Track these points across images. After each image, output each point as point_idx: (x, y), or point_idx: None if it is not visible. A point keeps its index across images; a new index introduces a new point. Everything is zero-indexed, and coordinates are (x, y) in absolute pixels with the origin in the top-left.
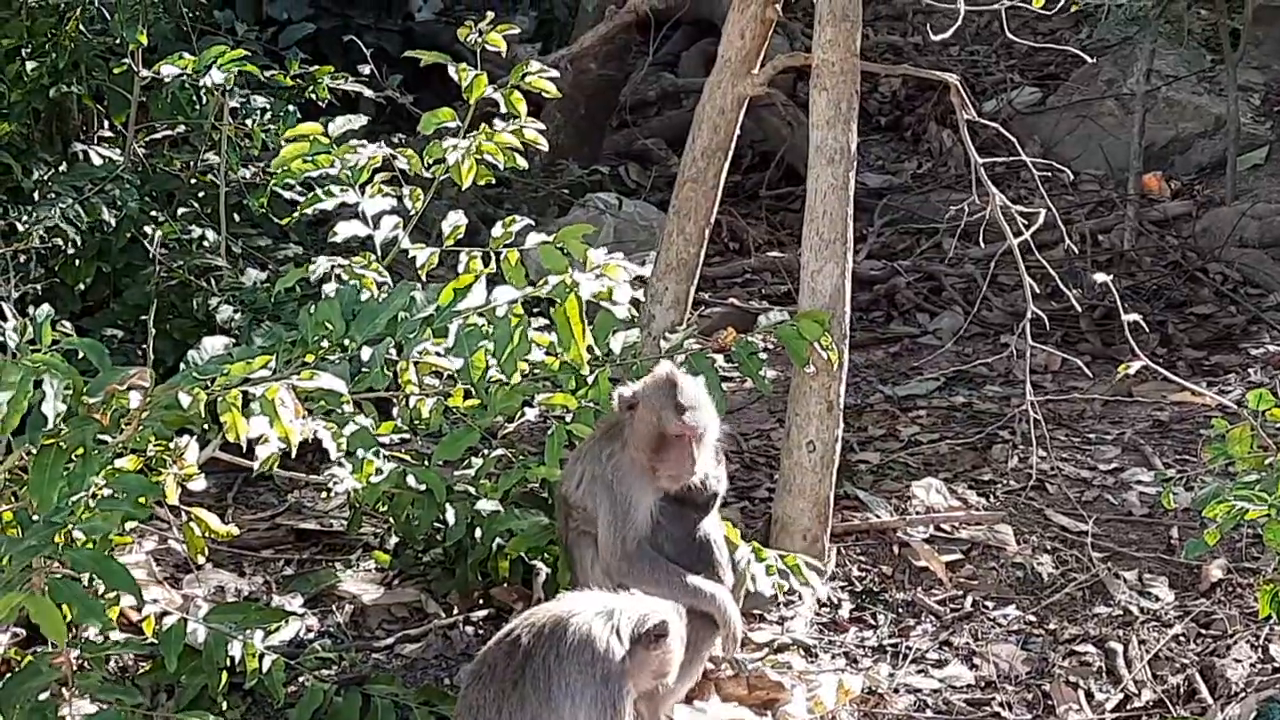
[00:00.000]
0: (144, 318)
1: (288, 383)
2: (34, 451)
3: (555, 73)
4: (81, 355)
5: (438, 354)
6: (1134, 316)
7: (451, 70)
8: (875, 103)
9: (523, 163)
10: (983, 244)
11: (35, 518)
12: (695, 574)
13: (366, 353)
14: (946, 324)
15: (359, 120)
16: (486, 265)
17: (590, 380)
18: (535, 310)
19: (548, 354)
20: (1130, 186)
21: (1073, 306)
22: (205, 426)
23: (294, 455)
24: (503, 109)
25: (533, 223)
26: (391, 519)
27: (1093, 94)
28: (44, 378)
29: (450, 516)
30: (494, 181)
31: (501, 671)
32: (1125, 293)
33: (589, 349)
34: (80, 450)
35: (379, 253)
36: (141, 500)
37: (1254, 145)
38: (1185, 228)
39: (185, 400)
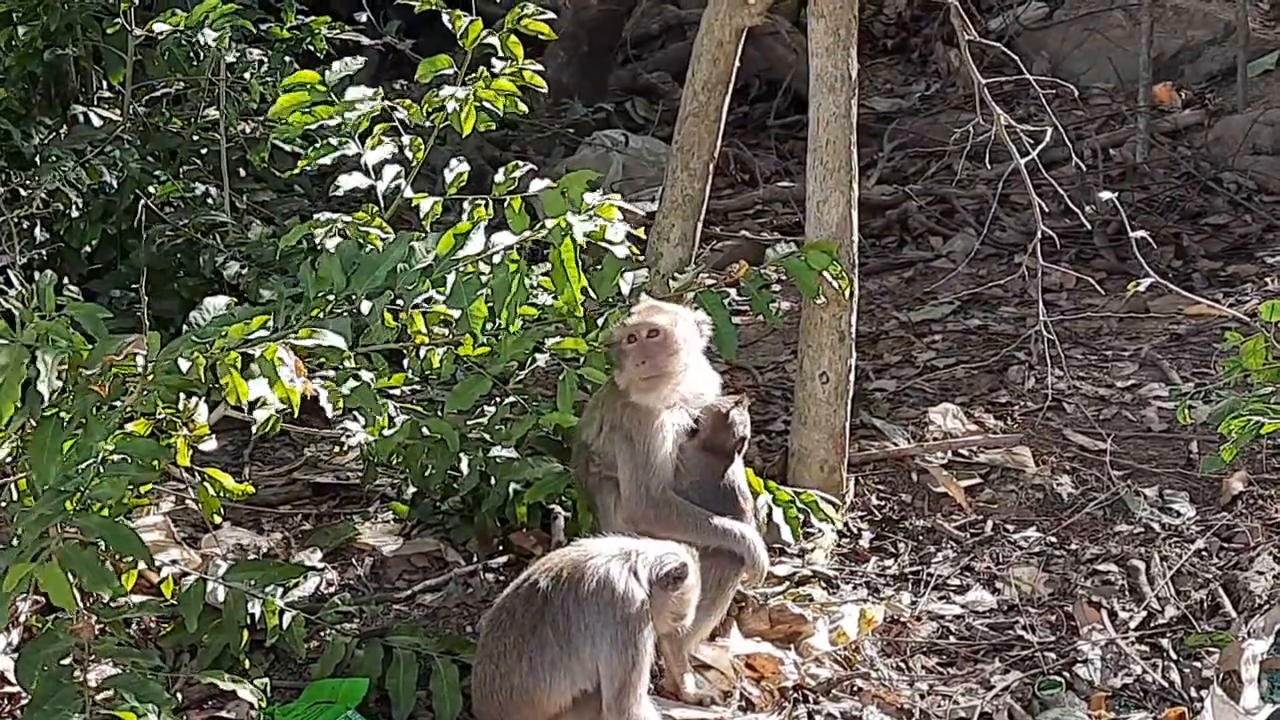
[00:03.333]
0: (152, 279)
1: (286, 342)
2: (35, 424)
3: (552, 15)
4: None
5: (444, 301)
6: (1141, 233)
7: (446, 17)
8: (881, 25)
9: (523, 107)
10: (989, 165)
11: (44, 489)
12: (716, 513)
13: (367, 306)
14: (959, 246)
15: (356, 63)
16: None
17: (600, 323)
18: (544, 255)
19: (555, 298)
20: (1140, 98)
21: (1088, 223)
22: (210, 388)
23: (296, 415)
24: (500, 53)
25: (535, 167)
26: (407, 470)
27: (1099, 5)
28: (38, 353)
29: (464, 466)
30: (499, 124)
31: (521, 617)
32: (1139, 206)
33: (584, 290)
34: (83, 421)
35: (382, 203)
36: (153, 463)
37: (1264, 51)
38: (1197, 137)
39: (185, 365)
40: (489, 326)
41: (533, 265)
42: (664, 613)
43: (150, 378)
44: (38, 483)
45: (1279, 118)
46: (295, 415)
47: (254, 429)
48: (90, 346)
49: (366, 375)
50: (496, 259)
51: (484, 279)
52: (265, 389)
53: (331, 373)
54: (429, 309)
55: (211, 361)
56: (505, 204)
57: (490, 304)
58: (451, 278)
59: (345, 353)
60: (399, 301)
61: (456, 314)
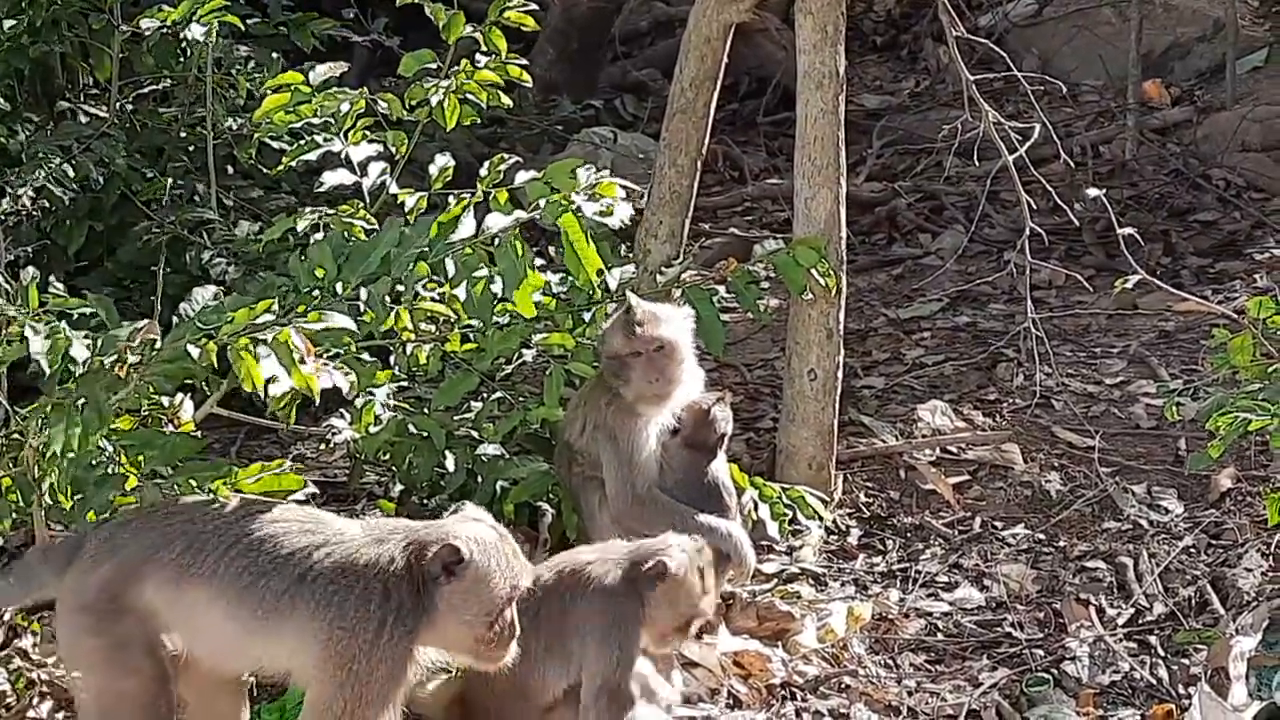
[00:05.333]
0: (139, 277)
1: (298, 326)
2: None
3: (534, 6)
4: (77, 316)
5: (433, 299)
6: (1129, 230)
7: (427, 10)
8: (870, 22)
9: (507, 100)
10: (977, 162)
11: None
12: (706, 513)
13: (364, 293)
14: (948, 243)
15: (340, 67)
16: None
17: (587, 318)
18: (535, 249)
19: (544, 294)
20: (1129, 95)
21: (1076, 220)
22: (207, 379)
23: (318, 402)
24: (483, 46)
25: (522, 160)
26: (394, 467)
27: (1089, 2)
28: (63, 328)
29: (450, 463)
30: (487, 121)
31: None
32: (1128, 203)
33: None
34: (96, 408)
35: (367, 199)
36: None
37: (1253, 48)
38: (1186, 134)
39: (194, 351)
40: (496, 309)
41: None
42: (662, 609)
43: (150, 368)
44: (64, 453)
45: (1268, 115)
46: (316, 404)
47: (269, 405)
48: (89, 338)
49: (366, 356)
50: (498, 242)
51: (482, 256)
52: (276, 367)
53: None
54: (418, 304)
55: (221, 347)
56: (491, 197)
57: (494, 286)
58: (450, 262)
59: (353, 335)
60: (398, 288)
61: (446, 310)
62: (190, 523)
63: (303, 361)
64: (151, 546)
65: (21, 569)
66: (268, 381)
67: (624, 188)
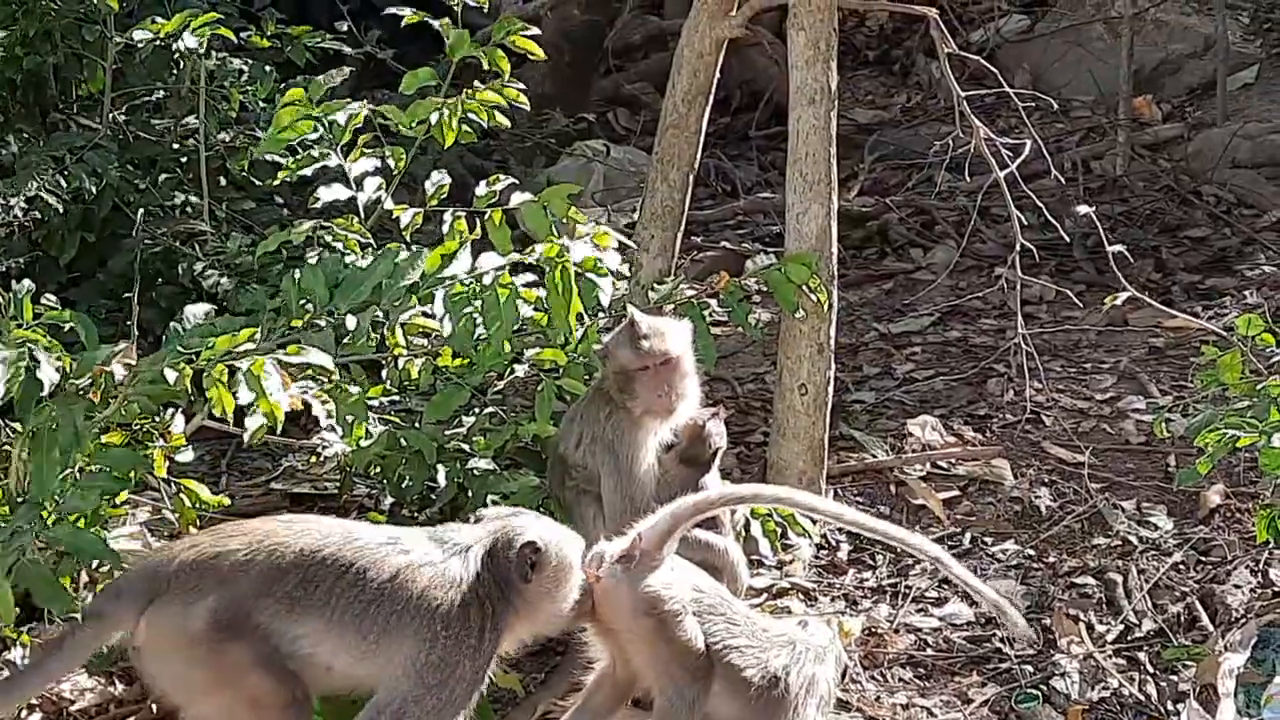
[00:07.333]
0: (131, 288)
1: (274, 357)
2: (29, 433)
3: (537, 30)
4: (68, 328)
5: (424, 313)
6: (1119, 247)
7: (435, 24)
8: (863, 37)
9: (505, 121)
10: (968, 177)
11: (21, 499)
12: (699, 528)
13: (352, 321)
14: (940, 258)
15: (342, 73)
16: (471, 225)
17: (579, 334)
18: (526, 266)
19: (536, 310)
20: (1121, 111)
21: (1067, 236)
22: (191, 399)
23: (279, 431)
24: (485, 67)
25: (517, 180)
26: (384, 481)
27: (1081, 18)
28: (34, 349)
29: (440, 477)
30: (481, 134)
31: None
32: (1119, 218)
33: (579, 315)
34: (72, 429)
35: (362, 214)
36: (129, 474)
37: (1243, 65)
38: (1177, 151)
39: (171, 376)
40: (476, 339)
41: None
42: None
43: (133, 389)
44: (39, 493)
45: (1258, 131)
46: (277, 432)
47: (246, 438)
48: (75, 357)
49: (354, 388)
50: (487, 279)
51: (470, 294)
52: (249, 396)
53: (314, 385)
54: (408, 322)
55: (197, 373)
56: (486, 216)
57: (478, 324)
58: (440, 294)
59: (329, 372)
60: (386, 316)
61: (439, 327)
62: (301, 554)
63: (275, 394)
64: (264, 579)
65: (92, 614)
66: (246, 408)
67: (620, 243)
